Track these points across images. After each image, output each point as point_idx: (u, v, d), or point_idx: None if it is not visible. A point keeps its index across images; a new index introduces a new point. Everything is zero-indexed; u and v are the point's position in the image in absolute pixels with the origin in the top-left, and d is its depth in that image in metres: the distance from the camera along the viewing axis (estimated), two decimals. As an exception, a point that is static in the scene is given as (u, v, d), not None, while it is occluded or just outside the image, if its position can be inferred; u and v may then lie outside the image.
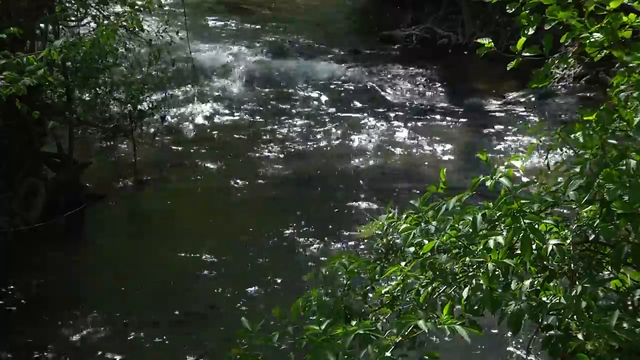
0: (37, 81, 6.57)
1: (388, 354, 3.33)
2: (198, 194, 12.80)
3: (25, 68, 6.55)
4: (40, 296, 9.97)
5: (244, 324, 3.72)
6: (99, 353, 8.95)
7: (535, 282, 3.74)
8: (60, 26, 12.01)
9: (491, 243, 3.58)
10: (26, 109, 7.00)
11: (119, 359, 8.95)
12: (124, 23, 8.20)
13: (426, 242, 3.82)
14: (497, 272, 3.55)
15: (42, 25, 11.68)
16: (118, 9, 11.08)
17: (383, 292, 4.04)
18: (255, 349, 3.72)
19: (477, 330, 3.46)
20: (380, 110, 16.18)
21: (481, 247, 3.66)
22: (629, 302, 3.67)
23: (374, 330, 3.48)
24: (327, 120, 15.62)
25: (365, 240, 10.39)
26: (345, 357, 3.34)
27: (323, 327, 3.50)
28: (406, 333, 3.43)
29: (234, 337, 3.83)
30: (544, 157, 4.30)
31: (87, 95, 12.81)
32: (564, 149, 4.08)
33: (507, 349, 8.73)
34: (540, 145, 4.40)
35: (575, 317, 3.48)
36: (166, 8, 19.14)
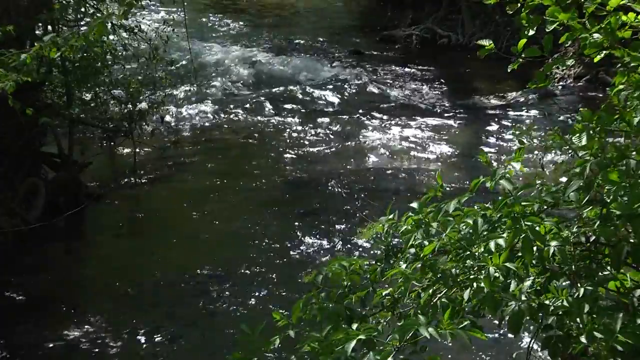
0: (27, 77, 6.43)
1: (390, 359, 3.32)
2: (197, 194, 12.78)
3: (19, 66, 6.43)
4: (40, 296, 9.96)
5: (244, 330, 3.70)
6: (99, 353, 8.94)
7: (536, 283, 3.73)
8: (61, 26, 11.98)
9: (492, 245, 3.58)
10: (19, 105, 6.91)
11: (119, 359, 8.95)
12: (114, 15, 8.09)
13: (426, 243, 3.82)
14: (498, 276, 3.54)
15: (41, 25, 11.65)
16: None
17: (384, 294, 4.03)
18: (256, 353, 3.71)
19: (480, 333, 3.44)
20: (381, 110, 16.18)
21: (482, 249, 3.65)
22: (629, 302, 3.67)
23: (375, 334, 3.46)
24: (327, 120, 15.61)
25: (366, 243, 10.39)
26: None
27: (324, 333, 3.49)
28: (407, 337, 3.42)
29: (234, 339, 3.83)
30: (540, 158, 4.30)
31: (86, 95, 12.79)
32: (561, 150, 4.07)
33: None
34: (530, 145, 4.40)
35: (578, 319, 3.47)
36: (166, 9, 19.20)
